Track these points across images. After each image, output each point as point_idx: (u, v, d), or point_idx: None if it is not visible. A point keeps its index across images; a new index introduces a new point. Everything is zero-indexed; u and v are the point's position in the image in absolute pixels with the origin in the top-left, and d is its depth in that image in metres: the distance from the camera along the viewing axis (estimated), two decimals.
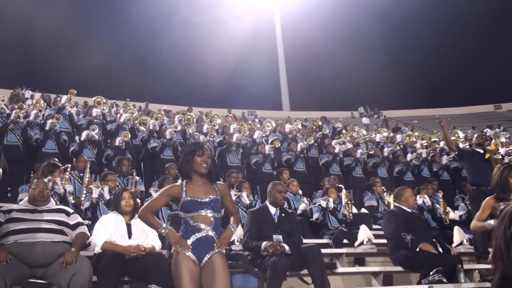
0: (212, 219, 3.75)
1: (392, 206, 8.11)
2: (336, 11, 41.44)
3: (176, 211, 5.71)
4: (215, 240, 3.73)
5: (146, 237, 5.00)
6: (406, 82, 44.25)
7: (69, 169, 7.51)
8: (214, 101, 34.23)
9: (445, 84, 45.57)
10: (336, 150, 11.45)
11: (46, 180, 5.12)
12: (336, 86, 44.80)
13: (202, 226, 3.71)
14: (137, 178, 8.37)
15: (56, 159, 7.73)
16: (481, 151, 7.43)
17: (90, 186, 7.34)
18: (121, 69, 42.79)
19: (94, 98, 11.70)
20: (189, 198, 3.76)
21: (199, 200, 3.76)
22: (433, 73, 47.20)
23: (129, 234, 4.91)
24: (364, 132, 15.08)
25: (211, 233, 3.73)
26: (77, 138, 9.85)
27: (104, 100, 11.70)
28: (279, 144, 11.31)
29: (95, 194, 6.64)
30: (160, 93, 40.11)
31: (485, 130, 22.51)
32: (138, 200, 6.16)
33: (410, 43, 49.59)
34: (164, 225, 3.91)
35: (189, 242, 3.67)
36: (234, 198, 7.38)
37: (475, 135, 7.92)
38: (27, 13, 37.80)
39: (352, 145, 11.96)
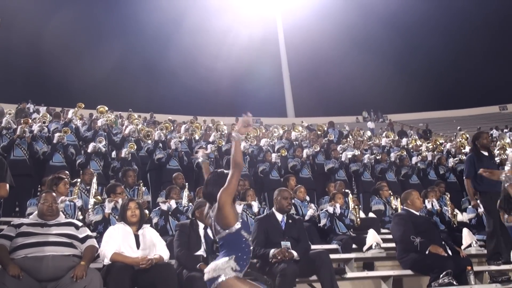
0: None
1: (399, 210, 8.11)
2: (341, 17, 41.50)
3: (184, 222, 5.75)
4: None
5: (154, 247, 5.01)
6: (411, 85, 44.26)
7: (78, 184, 7.53)
8: (220, 107, 34.42)
9: (450, 87, 45.42)
10: (343, 158, 11.46)
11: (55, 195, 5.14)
12: (341, 91, 44.79)
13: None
14: (144, 188, 8.38)
15: (67, 172, 7.79)
16: (486, 154, 7.28)
17: (98, 197, 7.38)
18: (130, 75, 43.14)
19: (97, 108, 11.72)
20: (242, 219, 3.47)
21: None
22: (437, 76, 47.12)
23: (137, 245, 4.92)
24: (369, 133, 15.07)
25: None
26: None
27: (107, 109, 11.71)
28: (286, 153, 11.32)
29: (108, 210, 6.61)
30: (168, 99, 40.42)
31: (491, 132, 22.46)
32: (146, 211, 6.19)
33: (416, 47, 49.54)
34: None
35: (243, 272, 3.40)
36: (241, 207, 7.40)
37: (483, 135, 7.51)
38: (35, 21, 38.09)
39: (358, 152, 11.94)
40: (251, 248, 3.45)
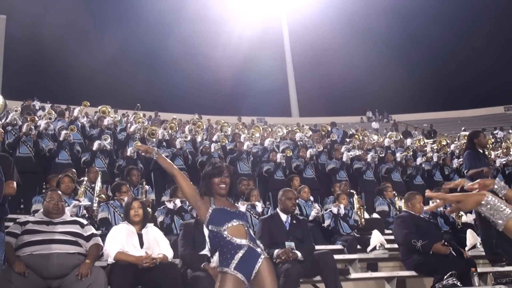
0: (245, 228, 3.48)
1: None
2: (344, 8, 41.41)
3: (188, 221, 5.76)
4: (255, 249, 3.43)
5: (157, 246, 5.03)
6: (416, 86, 44.22)
7: (84, 183, 7.55)
8: (223, 100, 34.36)
9: (455, 87, 45.38)
10: (344, 159, 11.42)
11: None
12: (345, 91, 44.87)
13: (242, 241, 3.39)
14: (147, 187, 8.37)
15: (74, 170, 7.82)
16: (481, 151, 7.30)
17: (103, 195, 7.41)
18: (130, 64, 43.18)
19: (99, 108, 11.70)
20: (217, 207, 3.48)
21: (228, 209, 3.51)
22: (443, 76, 47.10)
23: (141, 244, 4.94)
24: (375, 137, 15.03)
25: (251, 245, 3.42)
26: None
27: (110, 109, 11.72)
28: (291, 153, 11.28)
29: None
30: (169, 89, 40.47)
31: (496, 132, 22.41)
32: (150, 210, 6.19)
33: (420, 44, 49.59)
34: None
35: (234, 263, 3.32)
36: (244, 207, 7.41)
37: (482, 134, 7.51)
38: (35, 11, 38.16)
39: (361, 151, 11.91)
40: (231, 241, 3.39)
